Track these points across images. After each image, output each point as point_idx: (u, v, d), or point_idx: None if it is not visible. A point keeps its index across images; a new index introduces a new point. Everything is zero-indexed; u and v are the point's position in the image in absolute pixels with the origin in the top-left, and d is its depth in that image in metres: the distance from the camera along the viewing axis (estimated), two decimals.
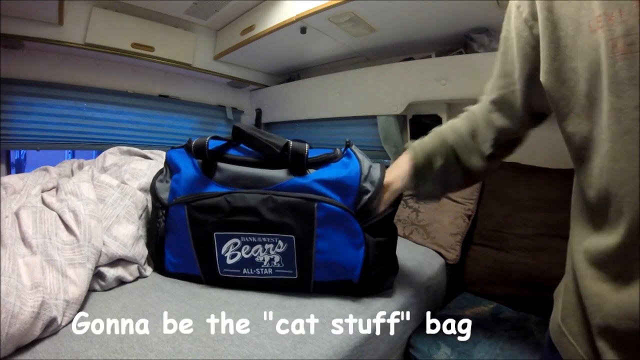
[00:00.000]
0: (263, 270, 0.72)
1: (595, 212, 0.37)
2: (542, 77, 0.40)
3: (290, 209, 0.68)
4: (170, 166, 0.81)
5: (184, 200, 0.72)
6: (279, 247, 0.70)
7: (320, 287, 0.74)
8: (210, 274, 0.74)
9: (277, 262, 0.71)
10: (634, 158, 0.32)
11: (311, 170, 0.72)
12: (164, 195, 0.77)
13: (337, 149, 0.76)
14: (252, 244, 0.71)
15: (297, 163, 0.71)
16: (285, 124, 2.32)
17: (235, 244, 0.71)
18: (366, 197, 0.71)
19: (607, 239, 0.35)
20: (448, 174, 0.65)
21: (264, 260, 0.71)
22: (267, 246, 0.71)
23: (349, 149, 0.76)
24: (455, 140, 0.63)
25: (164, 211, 0.75)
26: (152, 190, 0.81)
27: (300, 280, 0.73)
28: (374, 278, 0.74)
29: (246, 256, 0.71)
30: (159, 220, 0.76)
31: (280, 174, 0.72)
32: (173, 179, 0.77)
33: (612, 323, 0.34)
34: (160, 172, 0.86)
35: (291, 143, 0.71)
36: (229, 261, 0.72)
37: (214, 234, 0.71)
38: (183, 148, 0.81)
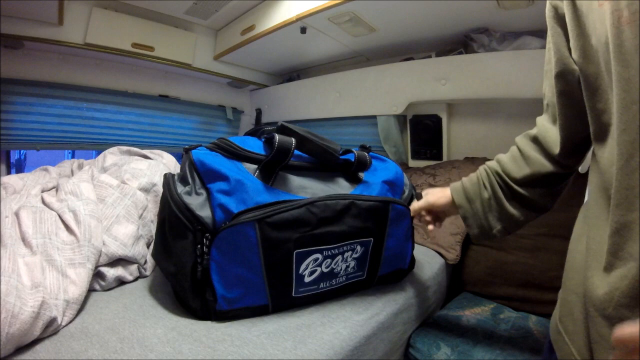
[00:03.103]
0: (339, 280, 0.68)
1: (611, 199, 0.34)
2: (573, 54, 0.40)
3: (371, 212, 0.67)
4: (203, 173, 0.62)
5: (254, 217, 0.57)
6: (356, 252, 0.68)
7: (379, 280, 0.77)
8: (281, 299, 0.64)
9: (351, 268, 0.69)
10: None
11: (361, 174, 0.76)
12: (204, 213, 0.58)
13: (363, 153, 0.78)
14: (333, 257, 0.65)
15: (360, 169, 0.74)
16: None
17: (317, 259, 0.63)
18: (407, 192, 0.81)
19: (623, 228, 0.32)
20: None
21: (341, 269, 0.67)
22: (346, 254, 0.67)
23: (371, 153, 0.82)
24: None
25: (208, 235, 0.57)
26: (182, 206, 0.58)
27: (367, 279, 0.74)
28: (412, 261, 0.85)
29: (326, 270, 0.65)
30: (198, 248, 0.57)
31: (341, 177, 0.73)
32: (218, 191, 0.59)
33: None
34: (173, 179, 0.65)
35: (356, 152, 0.75)
36: (307, 279, 0.64)
37: (295, 252, 0.60)
38: (216, 150, 0.65)
